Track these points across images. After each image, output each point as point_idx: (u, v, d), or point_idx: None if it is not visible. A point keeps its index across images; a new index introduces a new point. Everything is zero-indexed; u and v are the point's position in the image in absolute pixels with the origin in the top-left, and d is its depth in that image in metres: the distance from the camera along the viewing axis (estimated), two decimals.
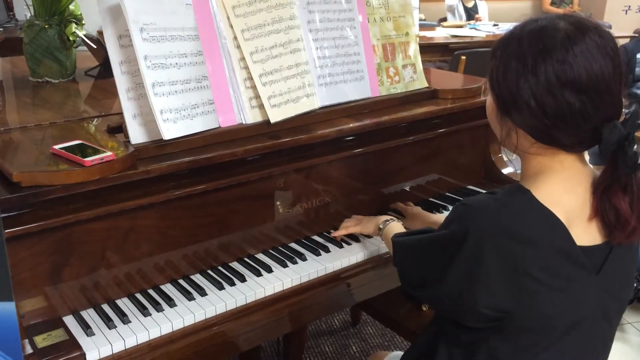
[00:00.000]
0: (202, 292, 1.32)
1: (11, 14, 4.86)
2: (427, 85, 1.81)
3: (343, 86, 1.61)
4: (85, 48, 2.09)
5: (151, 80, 1.25)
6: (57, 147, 1.22)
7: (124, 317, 1.22)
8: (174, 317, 1.24)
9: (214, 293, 1.32)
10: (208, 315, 1.27)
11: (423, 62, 1.83)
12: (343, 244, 1.54)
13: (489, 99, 1.06)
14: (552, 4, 7.42)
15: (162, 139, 1.27)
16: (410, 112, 1.67)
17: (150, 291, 1.32)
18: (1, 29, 4.26)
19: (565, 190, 0.99)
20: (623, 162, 0.94)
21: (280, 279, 1.38)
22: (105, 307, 1.26)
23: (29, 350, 1.09)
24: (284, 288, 1.38)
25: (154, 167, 1.24)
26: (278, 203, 1.49)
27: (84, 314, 1.24)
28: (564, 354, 1.01)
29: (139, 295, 1.30)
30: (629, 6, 7.23)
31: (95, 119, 1.54)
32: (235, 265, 1.44)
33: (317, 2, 1.57)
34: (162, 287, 1.34)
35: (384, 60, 1.72)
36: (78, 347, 1.13)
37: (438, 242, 1.07)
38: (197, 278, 1.38)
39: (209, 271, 1.40)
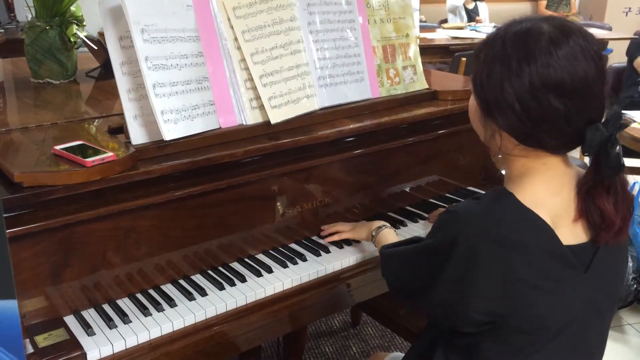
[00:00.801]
0: (203, 292, 1.32)
1: (12, 15, 4.87)
2: (427, 86, 1.81)
3: (343, 87, 1.62)
4: (86, 49, 2.10)
5: (152, 81, 1.26)
6: (58, 147, 1.22)
7: (124, 317, 1.22)
8: (175, 317, 1.24)
9: (215, 293, 1.33)
10: (208, 315, 1.27)
11: (423, 63, 1.83)
12: (343, 244, 1.55)
13: (471, 101, 1.06)
14: (548, 7, 7.42)
15: (162, 139, 1.28)
16: (410, 113, 1.67)
17: (151, 291, 1.33)
18: (2, 31, 4.27)
19: (549, 191, 0.99)
20: (606, 164, 0.94)
21: (280, 280, 1.39)
22: (106, 307, 1.26)
23: (30, 349, 1.10)
24: (284, 288, 1.38)
25: (155, 167, 1.24)
26: (278, 204, 1.49)
27: (84, 313, 1.24)
28: (558, 353, 1.01)
29: (139, 295, 1.31)
30: (630, 8, 7.23)
31: (96, 120, 1.54)
32: (236, 265, 1.44)
33: (317, 4, 1.58)
34: (163, 287, 1.35)
35: (384, 62, 1.73)
36: (79, 346, 1.14)
37: (426, 252, 1.07)
38: (198, 278, 1.38)
39: (210, 271, 1.41)
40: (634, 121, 2.95)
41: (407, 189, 1.78)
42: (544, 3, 7.45)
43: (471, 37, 5.02)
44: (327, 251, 1.51)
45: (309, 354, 2.34)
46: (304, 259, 1.47)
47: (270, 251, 1.51)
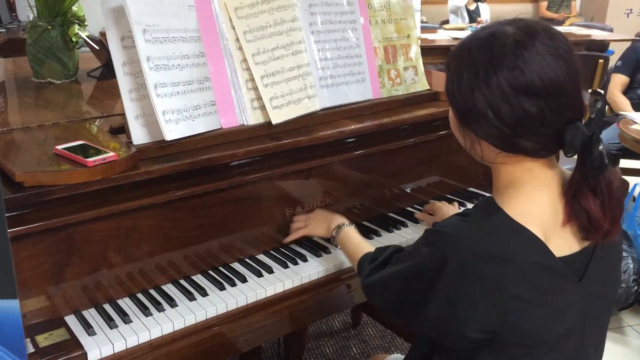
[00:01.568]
0: (203, 293, 1.32)
1: (14, 15, 4.87)
2: (428, 87, 1.81)
3: (344, 88, 1.62)
4: (87, 49, 2.10)
5: (153, 81, 1.26)
6: (59, 147, 1.22)
7: (125, 317, 1.23)
8: (175, 317, 1.24)
9: (215, 293, 1.33)
10: (209, 316, 1.27)
11: (425, 64, 1.84)
12: None
13: (450, 112, 1.05)
14: (549, 8, 7.41)
15: (164, 139, 1.28)
16: (411, 114, 1.67)
17: (152, 291, 1.33)
18: (4, 30, 4.27)
19: (538, 202, 0.97)
20: (589, 163, 0.93)
21: (281, 280, 1.39)
22: (107, 307, 1.27)
23: (30, 349, 1.10)
24: (285, 289, 1.39)
25: (156, 167, 1.24)
26: (279, 204, 1.49)
27: (85, 313, 1.24)
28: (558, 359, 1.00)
29: (140, 295, 1.31)
30: (631, 9, 7.23)
31: (98, 120, 1.54)
32: (236, 265, 1.45)
33: (319, 4, 1.58)
34: (164, 287, 1.35)
35: (386, 63, 1.73)
36: (79, 346, 1.14)
37: (413, 273, 1.04)
38: (198, 278, 1.38)
39: (210, 271, 1.41)
40: (636, 122, 2.95)
41: (408, 190, 1.78)
42: (544, 4, 7.45)
43: None
44: (328, 252, 1.51)
45: (310, 355, 2.34)
46: (305, 260, 1.47)
47: (271, 251, 1.51)
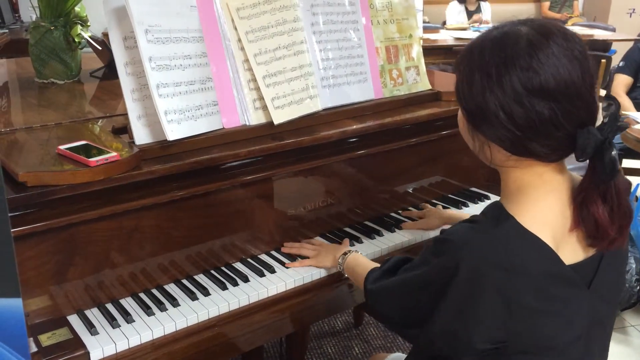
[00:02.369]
0: (206, 292, 1.33)
1: (16, 15, 4.88)
2: (430, 87, 1.81)
3: (346, 88, 1.62)
4: (90, 49, 2.11)
5: (156, 82, 1.26)
6: (62, 147, 1.23)
7: (127, 317, 1.23)
8: (178, 316, 1.25)
9: (217, 293, 1.33)
10: (211, 315, 1.28)
11: (427, 64, 1.84)
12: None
13: (459, 113, 1.02)
14: (551, 8, 7.40)
15: (166, 139, 1.28)
16: (413, 114, 1.67)
17: (154, 291, 1.33)
18: (7, 31, 4.28)
19: (548, 208, 0.95)
20: (601, 169, 0.90)
21: (283, 280, 1.39)
22: (110, 307, 1.27)
23: (33, 348, 1.10)
24: (287, 289, 1.39)
25: (158, 167, 1.25)
26: (281, 204, 1.50)
27: (88, 313, 1.25)
28: None
29: (142, 295, 1.31)
30: (634, 9, 7.21)
31: (100, 120, 1.55)
32: (239, 265, 1.45)
33: (320, 5, 1.58)
34: (166, 287, 1.35)
35: (387, 63, 1.73)
36: (82, 345, 1.14)
37: (422, 282, 1.02)
38: (201, 278, 1.39)
39: (212, 271, 1.41)
40: (638, 122, 2.95)
41: (410, 190, 1.78)
42: (547, 4, 7.44)
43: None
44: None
45: (312, 354, 2.34)
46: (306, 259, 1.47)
47: (273, 251, 1.51)
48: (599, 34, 5.41)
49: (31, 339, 1.12)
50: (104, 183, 1.18)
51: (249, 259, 1.47)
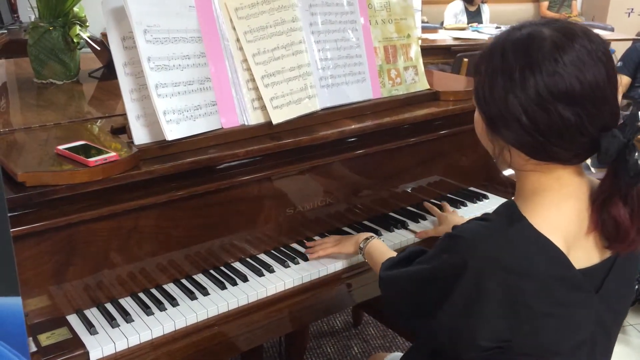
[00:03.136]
0: (205, 292, 1.33)
1: (15, 16, 4.88)
2: (428, 87, 1.81)
3: (345, 88, 1.62)
4: (89, 50, 2.11)
5: (154, 82, 1.27)
6: (61, 147, 1.23)
7: (127, 316, 1.23)
8: (177, 316, 1.25)
9: (216, 293, 1.33)
10: (210, 315, 1.28)
11: (425, 64, 1.84)
12: None
13: (476, 116, 1.00)
14: (550, 8, 7.41)
15: (165, 139, 1.28)
16: (411, 113, 1.68)
17: (153, 290, 1.33)
18: (5, 31, 4.28)
19: (563, 212, 0.94)
20: (625, 172, 0.88)
21: (281, 279, 1.39)
22: (109, 306, 1.27)
23: (33, 348, 1.10)
24: (286, 288, 1.39)
25: (157, 167, 1.25)
26: (280, 204, 1.50)
27: (87, 312, 1.25)
28: None
29: (142, 295, 1.32)
30: (632, 9, 7.22)
31: (99, 120, 1.55)
32: (237, 265, 1.45)
33: (319, 5, 1.58)
34: (165, 286, 1.35)
35: (386, 62, 1.73)
36: (81, 345, 1.14)
37: (432, 276, 1.01)
38: (200, 278, 1.39)
39: (211, 271, 1.41)
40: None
41: (409, 190, 1.79)
42: (545, 4, 7.44)
43: (473, 38, 5.02)
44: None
45: (311, 354, 2.35)
46: (306, 259, 1.48)
47: (272, 251, 1.51)
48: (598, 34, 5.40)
49: (30, 338, 1.12)
50: (103, 183, 1.18)
51: (248, 259, 1.47)
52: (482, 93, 0.95)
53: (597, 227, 0.94)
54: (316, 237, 1.59)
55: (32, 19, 1.98)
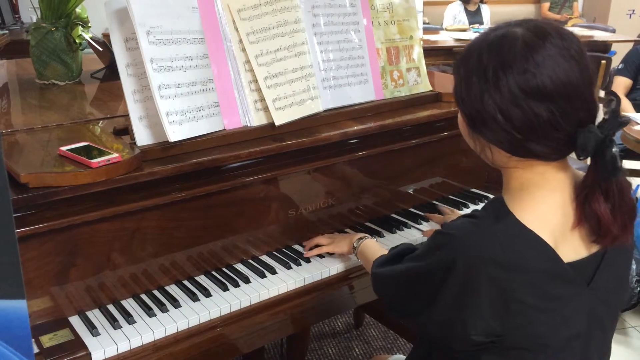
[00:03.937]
0: (207, 294, 1.33)
1: (17, 16, 4.88)
2: (430, 88, 1.81)
3: (347, 89, 1.62)
4: (91, 50, 2.11)
5: (157, 83, 1.26)
6: (63, 148, 1.23)
7: (129, 318, 1.23)
8: (179, 317, 1.25)
9: (218, 294, 1.33)
10: (212, 317, 1.28)
11: (427, 65, 1.84)
12: None
13: (459, 116, 1.04)
14: (551, 9, 7.40)
15: (167, 141, 1.28)
16: (414, 115, 1.68)
17: (155, 292, 1.33)
18: (7, 32, 4.28)
19: (549, 207, 0.96)
20: (602, 166, 0.91)
21: (284, 281, 1.39)
22: (111, 308, 1.27)
23: (35, 349, 1.10)
24: (288, 290, 1.39)
25: (160, 168, 1.25)
26: (282, 205, 1.50)
27: (89, 314, 1.25)
28: None
29: (144, 296, 1.31)
30: (633, 10, 7.22)
31: (102, 121, 1.55)
32: (240, 266, 1.45)
33: (321, 6, 1.58)
34: (167, 288, 1.35)
35: (388, 64, 1.73)
36: (84, 347, 1.14)
37: (422, 273, 1.03)
38: (202, 279, 1.39)
39: (214, 272, 1.41)
40: (638, 123, 2.95)
41: (411, 191, 1.79)
42: (546, 5, 7.44)
43: None
44: (331, 253, 1.51)
45: (312, 355, 2.35)
46: (308, 260, 1.48)
47: (274, 252, 1.51)
48: (599, 35, 5.42)
49: (32, 340, 1.11)
50: (106, 184, 1.18)
51: (250, 260, 1.47)
52: (460, 93, 0.98)
53: (581, 222, 0.95)
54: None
55: (34, 20, 1.99)
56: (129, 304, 1.29)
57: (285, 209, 1.51)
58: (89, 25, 1.99)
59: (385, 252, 1.29)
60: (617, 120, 0.91)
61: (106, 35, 1.40)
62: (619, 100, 0.94)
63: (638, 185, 3.08)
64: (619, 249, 1.00)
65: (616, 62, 4.10)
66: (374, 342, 2.44)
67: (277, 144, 1.41)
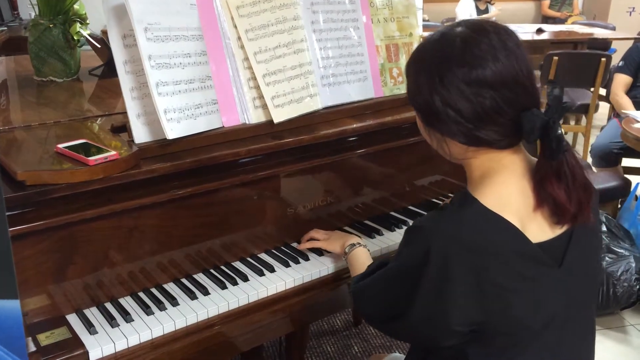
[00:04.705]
0: (205, 292, 1.32)
1: (15, 13, 4.87)
2: None
3: (346, 87, 1.62)
4: (89, 47, 2.10)
5: (155, 80, 1.26)
6: (61, 146, 1.22)
7: (127, 316, 1.23)
8: (177, 316, 1.24)
9: (217, 292, 1.33)
10: (210, 315, 1.27)
11: None
12: None
13: (416, 115, 1.08)
14: (551, 7, 7.39)
15: (165, 138, 1.27)
16: (413, 113, 1.66)
17: (153, 290, 1.33)
18: (5, 28, 4.27)
19: (511, 191, 1.00)
20: (548, 147, 0.95)
21: (282, 279, 1.39)
22: (109, 306, 1.27)
23: (32, 348, 1.10)
24: (286, 288, 1.38)
25: (158, 166, 1.24)
26: (281, 203, 1.49)
27: (87, 312, 1.24)
28: (544, 350, 1.02)
29: (142, 294, 1.31)
30: (633, 7, 7.21)
31: (99, 118, 1.54)
32: (238, 264, 1.44)
33: (321, 3, 1.57)
34: (165, 286, 1.35)
35: (388, 61, 1.72)
36: (81, 345, 1.14)
37: (398, 274, 1.06)
38: (200, 277, 1.38)
39: (212, 270, 1.41)
40: (638, 121, 2.94)
41: (410, 189, 1.78)
42: (546, 3, 7.43)
43: None
44: (329, 250, 1.51)
45: (311, 353, 2.34)
46: (306, 259, 1.47)
47: (273, 250, 1.51)
48: (599, 33, 5.40)
49: (30, 338, 1.11)
50: (103, 182, 1.17)
51: (249, 258, 1.47)
52: (412, 92, 1.04)
53: (541, 204, 0.99)
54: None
55: (32, 16, 1.98)
56: (127, 302, 1.29)
57: (284, 207, 1.50)
58: (87, 22, 1.98)
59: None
60: (560, 105, 0.97)
61: (105, 32, 1.39)
62: (561, 87, 1.00)
63: (638, 183, 3.07)
64: (585, 230, 1.04)
65: (616, 59, 4.10)
66: (372, 340, 2.44)
67: (275, 142, 1.41)
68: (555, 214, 1.00)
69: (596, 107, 4.33)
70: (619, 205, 3.06)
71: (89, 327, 1.19)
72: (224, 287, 1.34)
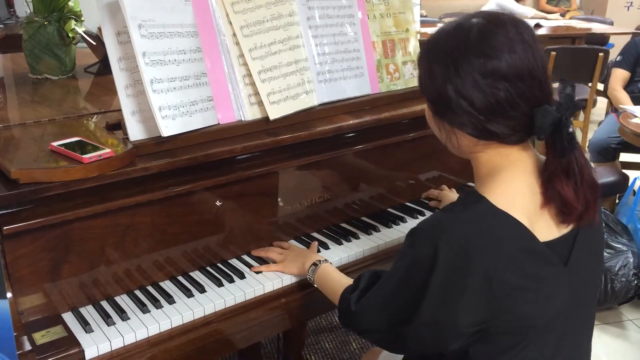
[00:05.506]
0: (201, 289, 1.32)
1: (11, 10, 4.85)
2: None
3: (342, 83, 1.61)
4: (84, 45, 2.09)
5: (150, 77, 1.25)
6: (55, 143, 1.22)
7: (122, 314, 1.22)
8: (173, 314, 1.24)
9: (213, 290, 1.32)
10: (207, 312, 1.27)
11: None
12: (342, 240, 1.54)
13: (426, 106, 1.08)
14: (549, 2, 7.38)
15: (160, 135, 1.27)
16: (410, 108, 1.66)
17: (149, 288, 1.32)
18: (1, 26, 4.25)
19: (519, 188, 0.99)
20: (559, 144, 0.95)
21: (279, 276, 1.38)
22: (104, 304, 1.26)
23: (27, 346, 1.09)
24: (284, 285, 1.38)
25: (153, 164, 1.24)
26: (277, 200, 1.49)
27: (82, 310, 1.24)
28: (547, 348, 1.01)
29: (137, 292, 1.31)
30: (631, 2, 7.21)
31: (94, 116, 1.54)
32: (234, 262, 1.44)
33: None
34: (161, 284, 1.34)
35: (384, 57, 1.72)
36: (77, 343, 1.13)
37: (405, 278, 1.02)
38: (196, 275, 1.38)
39: (208, 268, 1.40)
40: (635, 116, 2.94)
41: (407, 185, 1.78)
42: None
43: None
44: (327, 247, 1.51)
45: (309, 350, 2.34)
46: None
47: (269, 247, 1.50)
48: (597, 28, 5.39)
49: (25, 337, 1.11)
50: (98, 180, 1.17)
51: (245, 256, 1.46)
52: (424, 82, 1.03)
53: (548, 202, 0.99)
54: (314, 234, 1.58)
55: (28, 14, 1.97)
56: (123, 300, 1.28)
57: (280, 203, 1.50)
58: (82, 19, 1.97)
59: (349, 279, 1.25)
60: (572, 103, 0.96)
61: (100, 30, 1.39)
62: (573, 85, 1.00)
63: (636, 178, 3.07)
64: (590, 229, 1.04)
65: (614, 54, 4.09)
66: None
67: (271, 139, 1.40)
68: (562, 212, 0.99)
69: (594, 102, 4.33)
70: (617, 201, 3.07)
71: (85, 325, 1.18)
72: (220, 284, 1.34)
